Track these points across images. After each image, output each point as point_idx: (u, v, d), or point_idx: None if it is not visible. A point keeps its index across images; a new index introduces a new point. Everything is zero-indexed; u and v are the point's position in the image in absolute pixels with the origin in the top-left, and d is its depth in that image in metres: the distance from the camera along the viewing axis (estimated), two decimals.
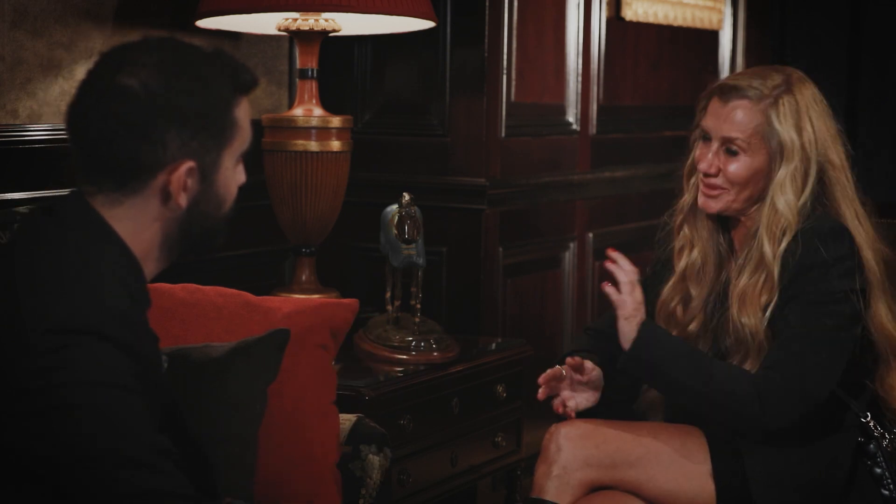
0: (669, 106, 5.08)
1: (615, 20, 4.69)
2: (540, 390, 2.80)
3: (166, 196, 1.99)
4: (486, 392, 3.59)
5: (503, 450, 3.67)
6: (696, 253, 2.86)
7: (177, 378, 2.40)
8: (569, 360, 2.79)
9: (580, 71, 4.47)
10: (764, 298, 2.71)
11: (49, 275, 1.91)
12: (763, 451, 2.70)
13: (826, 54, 5.84)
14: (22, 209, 2.70)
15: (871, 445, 2.76)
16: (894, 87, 5.80)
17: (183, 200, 2.00)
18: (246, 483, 2.54)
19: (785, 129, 2.73)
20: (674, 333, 2.82)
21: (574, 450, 2.71)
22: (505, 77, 4.09)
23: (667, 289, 2.88)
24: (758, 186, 2.76)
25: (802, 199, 2.73)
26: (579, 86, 4.48)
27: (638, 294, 2.74)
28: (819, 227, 2.70)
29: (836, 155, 2.77)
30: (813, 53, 5.82)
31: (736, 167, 2.76)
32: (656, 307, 2.89)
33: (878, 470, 2.75)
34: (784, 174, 2.73)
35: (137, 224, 2.00)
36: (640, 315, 2.73)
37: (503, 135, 4.10)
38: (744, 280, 2.74)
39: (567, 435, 2.73)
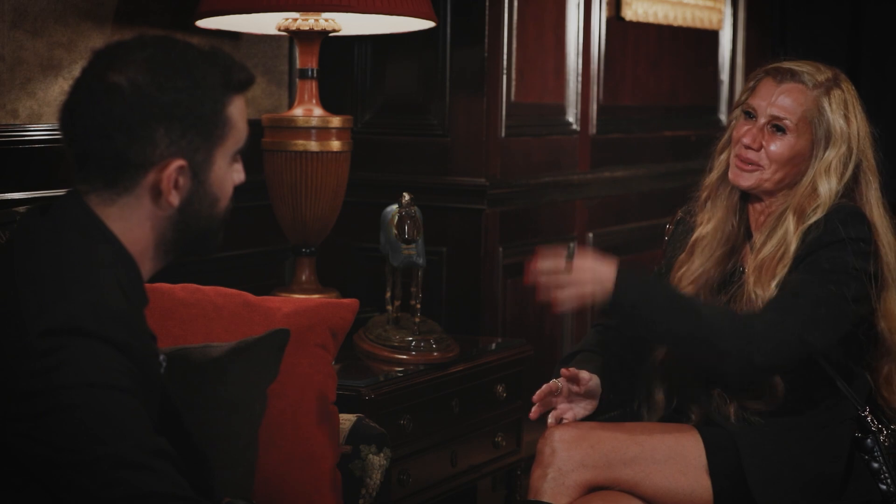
0: (669, 106, 5.08)
1: (615, 20, 4.69)
2: (533, 409, 2.79)
3: (157, 195, 1.98)
4: (486, 392, 3.59)
5: (503, 450, 3.67)
6: (709, 227, 2.87)
7: (177, 378, 2.40)
8: (564, 371, 2.79)
9: (580, 71, 4.47)
10: (780, 271, 2.71)
11: (46, 275, 1.90)
12: (760, 446, 2.70)
13: (826, 54, 5.83)
14: (22, 209, 2.70)
15: (869, 440, 2.76)
16: (894, 87, 5.80)
17: (174, 199, 1.99)
18: (246, 483, 2.54)
19: (836, 117, 2.77)
20: None
21: (569, 451, 2.71)
22: (505, 77, 4.08)
23: (681, 258, 2.89)
24: (794, 170, 2.78)
25: (840, 186, 2.76)
26: (579, 86, 4.48)
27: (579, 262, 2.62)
28: (841, 209, 2.73)
29: (873, 155, 2.82)
30: (813, 53, 5.81)
31: (779, 146, 2.77)
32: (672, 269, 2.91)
33: (876, 464, 2.75)
34: (832, 156, 2.76)
35: (130, 223, 1.99)
36: (610, 268, 2.62)
37: (503, 135, 4.10)
38: (764, 253, 2.75)
39: (561, 437, 2.73)
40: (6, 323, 1.87)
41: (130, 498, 1.84)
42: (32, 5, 3.28)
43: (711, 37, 5.38)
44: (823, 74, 2.83)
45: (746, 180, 2.80)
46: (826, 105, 2.78)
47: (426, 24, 3.56)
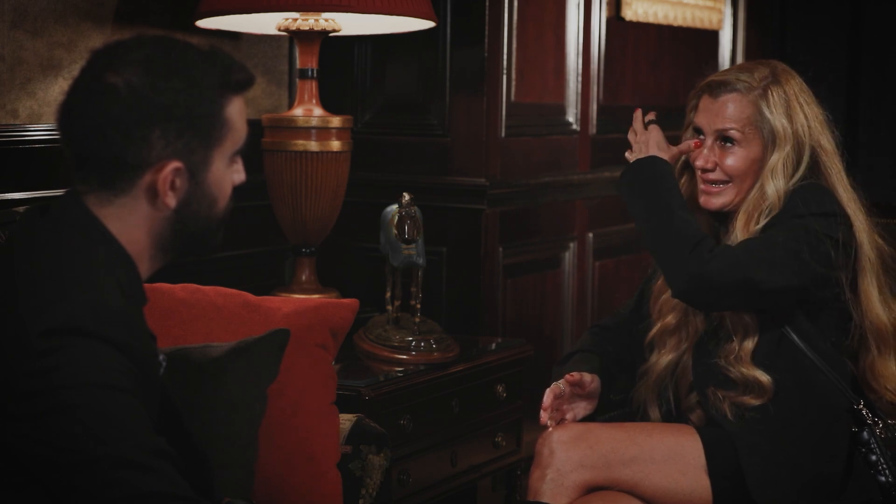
0: (669, 106, 5.07)
1: (615, 20, 4.69)
2: (543, 415, 2.78)
3: (153, 196, 1.98)
4: (486, 392, 3.59)
5: (503, 450, 3.67)
6: None
7: (177, 378, 2.40)
8: (568, 377, 2.80)
9: (580, 71, 4.47)
10: None
11: (46, 275, 1.90)
12: (758, 445, 2.70)
13: (826, 54, 5.84)
14: (21, 209, 2.70)
15: (865, 433, 2.76)
16: (894, 86, 5.80)
17: (171, 200, 1.99)
18: (246, 483, 2.54)
19: (776, 117, 2.77)
20: (656, 324, 2.86)
21: (567, 452, 2.71)
22: (505, 77, 4.08)
23: (659, 283, 2.89)
24: (757, 176, 2.78)
25: (790, 184, 2.76)
26: (579, 86, 4.48)
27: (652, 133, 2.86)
28: (803, 188, 2.74)
29: (827, 140, 2.81)
30: (813, 53, 5.82)
31: (733, 159, 2.79)
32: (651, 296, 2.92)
33: (873, 457, 2.75)
34: (776, 160, 2.76)
35: (128, 223, 1.99)
36: (659, 151, 2.82)
37: (503, 135, 4.10)
38: None
39: (559, 438, 2.73)
40: (6, 323, 1.87)
41: (130, 498, 1.84)
42: (32, 5, 3.28)
43: (711, 37, 5.38)
44: (759, 74, 2.81)
45: (718, 199, 2.82)
46: (765, 107, 2.77)
47: (426, 24, 3.56)
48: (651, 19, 4.87)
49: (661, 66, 5.02)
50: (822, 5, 5.90)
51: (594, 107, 4.59)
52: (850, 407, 2.76)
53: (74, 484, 1.84)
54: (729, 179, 2.80)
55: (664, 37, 5.03)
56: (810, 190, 2.74)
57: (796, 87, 2.81)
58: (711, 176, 2.81)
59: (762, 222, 2.74)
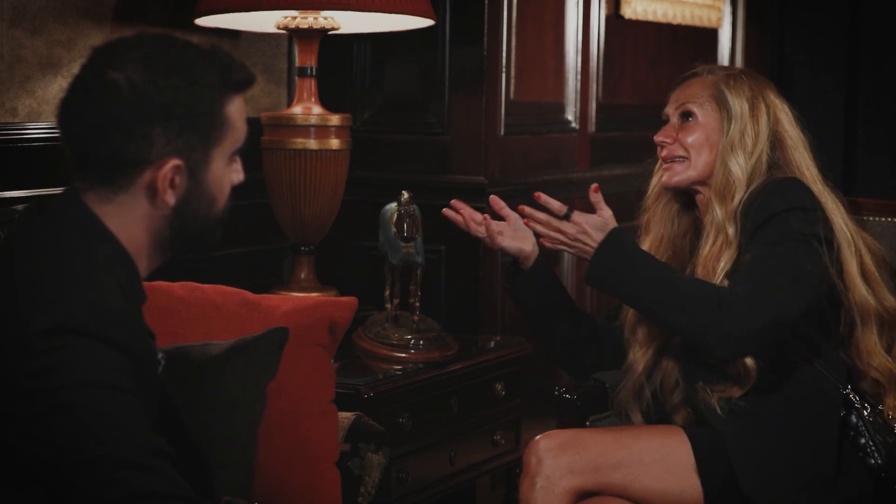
0: None
1: (614, 18, 4.69)
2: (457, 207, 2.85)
3: (153, 193, 1.97)
4: (485, 390, 3.59)
5: (502, 448, 3.67)
6: (648, 240, 2.88)
7: (176, 376, 2.40)
8: (492, 199, 2.89)
9: (579, 69, 4.47)
10: (724, 260, 2.72)
11: (45, 274, 1.90)
12: (747, 442, 2.70)
13: (825, 53, 5.84)
14: (21, 208, 2.70)
15: (853, 416, 2.76)
16: (894, 86, 5.80)
17: (170, 198, 1.98)
18: (245, 482, 2.54)
19: (734, 97, 2.80)
20: (628, 318, 2.86)
21: (555, 459, 2.71)
22: (504, 75, 4.09)
23: None
24: (714, 152, 2.79)
25: (752, 162, 2.76)
26: (578, 84, 4.48)
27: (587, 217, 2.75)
28: (775, 181, 2.74)
29: (793, 130, 2.82)
30: (812, 52, 5.82)
31: (692, 133, 2.81)
32: None
33: (862, 440, 2.75)
34: (735, 133, 2.78)
35: (127, 221, 1.99)
36: (594, 238, 2.72)
37: (502, 133, 4.10)
38: (706, 250, 2.75)
39: (546, 446, 2.73)
40: (5, 322, 1.86)
41: (130, 498, 1.84)
42: (32, 4, 3.28)
43: (711, 35, 5.38)
44: (725, 70, 2.88)
45: (675, 175, 2.83)
46: (724, 88, 2.81)
47: (425, 23, 3.56)
48: (650, 17, 4.87)
49: (660, 65, 5.02)
50: (822, 4, 5.90)
51: (593, 105, 4.59)
52: (838, 392, 2.75)
53: (74, 484, 1.84)
54: (686, 156, 2.81)
55: (663, 35, 5.03)
56: (785, 183, 2.73)
57: (764, 86, 2.84)
58: (669, 151, 2.83)
59: (737, 199, 2.73)
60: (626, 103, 4.82)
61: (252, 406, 2.54)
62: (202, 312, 2.77)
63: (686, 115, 2.83)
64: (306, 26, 3.49)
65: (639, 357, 2.86)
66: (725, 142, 2.77)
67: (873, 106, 5.82)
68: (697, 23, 5.20)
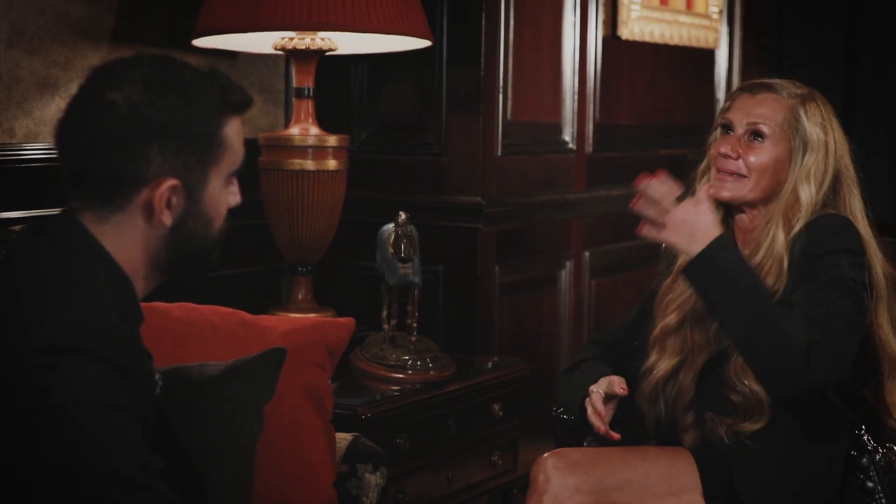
0: (665, 125, 5.08)
1: (611, 39, 4.70)
2: (601, 424, 2.73)
3: (150, 213, 1.97)
4: (483, 411, 3.59)
5: (499, 468, 3.67)
6: None
7: (173, 397, 2.39)
8: (619, 384, 2.75)
9: (576, 89, 4.48)
10: (770, 281, 2.67)
11: (41, 294, 1.90)
12: (753, 467, 2.69)
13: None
14: (18, 228, 2.70)
15: (865, 459, 2.75)
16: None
17: (167, 219, 1.98)
18: (242, 502, 2.53)
19: (811, 125, 2.75)
20: (658, 323, 2.83)
21: (563, 478, 2.70)
22: (501, 96, 4.09)
23: (667, 282, 2.87)
24: (775, 179, 2.76)
25: (820, 195, 2.74)
26: (575, 104, 4.48)
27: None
28: (829, 219, 2.71)
29: (850, 167, 2.80)
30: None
31: (759, 154, 2.76)
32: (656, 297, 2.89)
33: (871, 484, 2.74)
34: (810, 163, 2.74)
35: (124, 241, 1.99)
36: (707, 233, 2.60)
37: (499, 153, 4.10)
38: (754, 263, 2.70)
39: (555, 465, 2.72)
40: (2, 341, 1.86)
41: None
42: (29, 24, 3.28)
43: (707, 56, 5.39)
44: (799, 89, 2.81)
45: (727, 191, 2.77)
46: (802, 113, 2.76)
47: (422, 43, 3.57)
48: (647, 38, 4.88)
49: (657, 85, 5.03)
50: (819, 22, 5.91)
51: (590, 125, 4.59)
52: (852, 432, 2.75)
53: (69, 502, 1.84)
54: (746, 175, 2.76)
55: (660, 56, 5.04)
56: (838, 221, 2.71)
57: (830, 113, 2.81)
58: (731, 165, 2.77)
59: (796, 228, 2.70)
60: (622, 124, 4.82)
61: (249, 426, 2.54)
62: (200, 333, 2.77)
63: (756, 135, 2.76)
64: (303, 47, 3.50)
65: (661, 366, 2.82)
66: (800, 170, 2.73)
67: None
68: (694, 43, 5.21)
